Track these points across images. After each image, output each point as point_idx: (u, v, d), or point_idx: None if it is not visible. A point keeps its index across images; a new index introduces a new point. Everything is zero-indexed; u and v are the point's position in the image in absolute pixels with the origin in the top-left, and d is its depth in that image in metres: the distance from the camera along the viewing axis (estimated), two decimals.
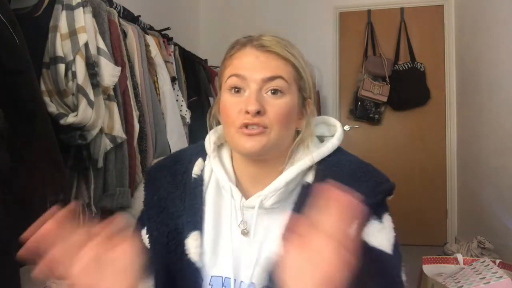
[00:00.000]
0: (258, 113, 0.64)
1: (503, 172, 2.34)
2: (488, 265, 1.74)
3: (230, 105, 0.68)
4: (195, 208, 0.71)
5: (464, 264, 1.96)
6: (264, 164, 0.71)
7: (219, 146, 0.78)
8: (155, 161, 1.90)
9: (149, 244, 0.72)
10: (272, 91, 0.67)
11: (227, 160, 0.75)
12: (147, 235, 0.72)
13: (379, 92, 3.23)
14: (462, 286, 1.66)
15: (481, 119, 2.73)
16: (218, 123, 0.77)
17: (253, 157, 0.69)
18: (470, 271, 1.78)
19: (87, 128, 1.43)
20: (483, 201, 2.65)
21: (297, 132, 0.73)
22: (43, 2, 1.41)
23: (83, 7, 1.44)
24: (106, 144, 1.52)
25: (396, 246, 0.67)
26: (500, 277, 1.59)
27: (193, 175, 0.75)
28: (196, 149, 0.80)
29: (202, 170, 0.76)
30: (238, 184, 0.73)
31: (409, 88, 3.27)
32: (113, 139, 1.55)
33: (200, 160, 0.77)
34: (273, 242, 0.67)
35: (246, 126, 0.66)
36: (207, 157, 0.77)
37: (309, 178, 0.71)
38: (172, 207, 0.72)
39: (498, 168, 2.41)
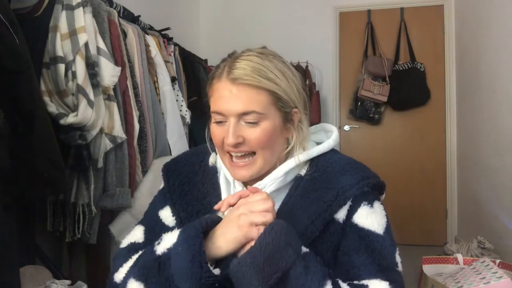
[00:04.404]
0: (239, 143, 0.72)
1: (503, 172, 2.34)
2: (488, 265, 1.75)
3: (216, 135, 0.76)
4: (217, 190, 0.81)
5: (464, 264, 1.97)
6: None
7: None
8: (159, 159, 1.90)
9: (175, 222, 0.81)
10: (248, 122, 0.73)
11: None
12: (173, 216, 0.81)
13: (379, 92, 3.23)
14: (462, 286, 1.66)
15: (481, 119, 2.73)
16: None
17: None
18: (470, 271, 1.78)
19: (87, 128, 1.43)
20: (483, 201, 2.65)
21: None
22: (43, 2, 1.41)
23: (83, 7, 1.45)
24: (106, 144, 1.53)
25: (388, 229, 0.73)
26: (500, 277, 1.59)
27: (210, 164, 0.85)
28: (208, 147, 0.88)
29: (216, 161, 0.85)
30: None
31: (409, 88, 3.26)
32: (113, 139, 1.56)
33: (213, 153, 0.86)
34: None
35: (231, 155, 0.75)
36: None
37: (303, 171, 0.78)
38: (195, 190, 0.82)
39: (497, 168, 2.41)
